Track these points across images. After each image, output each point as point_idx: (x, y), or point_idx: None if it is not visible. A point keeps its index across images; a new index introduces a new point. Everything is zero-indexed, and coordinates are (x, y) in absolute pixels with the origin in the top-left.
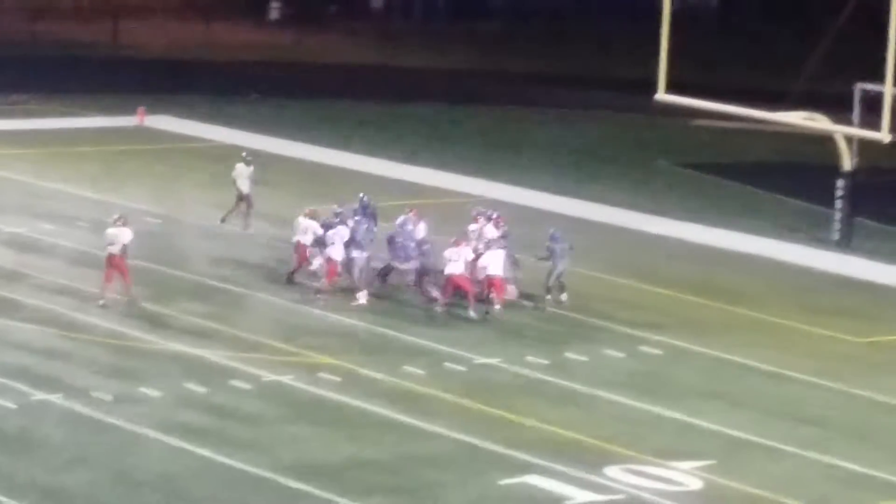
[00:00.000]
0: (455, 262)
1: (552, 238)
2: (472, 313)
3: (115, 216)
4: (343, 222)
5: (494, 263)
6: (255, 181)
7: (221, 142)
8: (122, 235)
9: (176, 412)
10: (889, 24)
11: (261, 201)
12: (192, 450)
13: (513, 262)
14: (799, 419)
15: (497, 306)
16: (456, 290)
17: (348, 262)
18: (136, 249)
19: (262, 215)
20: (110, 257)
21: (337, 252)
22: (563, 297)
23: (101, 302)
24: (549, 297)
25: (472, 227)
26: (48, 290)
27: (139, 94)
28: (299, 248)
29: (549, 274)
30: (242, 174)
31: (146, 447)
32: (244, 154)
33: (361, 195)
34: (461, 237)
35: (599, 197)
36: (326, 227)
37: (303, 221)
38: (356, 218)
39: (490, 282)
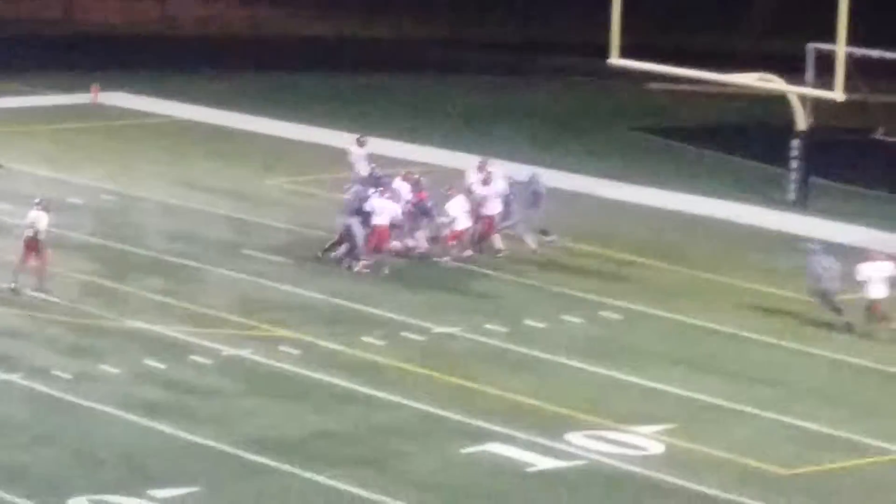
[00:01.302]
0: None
1: (534, 180)
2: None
3: (36, 199)
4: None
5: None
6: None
7: (177, 117)
8: (40, 220)
9: (136, 389)
10: None
11: (214, 176)
12: (154, 426)
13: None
14: (759, 381)
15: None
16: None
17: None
18: (94, 226)
19: (217, 190)
20: (27, 240)
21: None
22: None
23: (12, 284)
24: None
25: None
26: (5, 269)
27: (93, 70)
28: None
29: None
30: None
31: (107, 424)
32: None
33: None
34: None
35: (554, 162)
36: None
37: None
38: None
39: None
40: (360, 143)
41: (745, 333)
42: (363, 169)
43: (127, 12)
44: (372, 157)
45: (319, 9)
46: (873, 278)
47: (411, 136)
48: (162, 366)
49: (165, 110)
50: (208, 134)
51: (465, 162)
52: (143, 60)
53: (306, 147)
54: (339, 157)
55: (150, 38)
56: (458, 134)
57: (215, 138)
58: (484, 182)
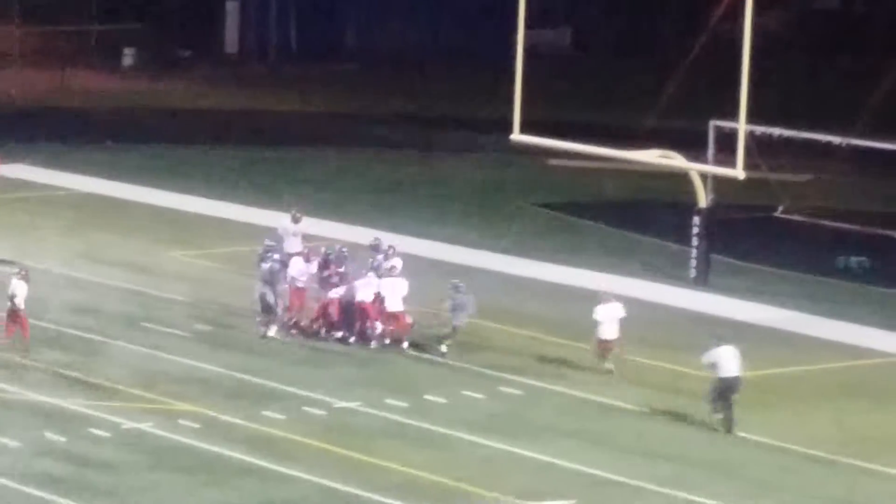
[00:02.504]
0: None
1: (456, 289)
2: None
3: (16, 269)
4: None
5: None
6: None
7: (78, 189)
8: (18, 289)
9: (35, 462)
10: (741, 61)
11: (115, 248)
12: (52, 499)
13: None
14: (658, 456)
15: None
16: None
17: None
18: None
19: (118, 263)
20: (9, 311)
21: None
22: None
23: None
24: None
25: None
26: None
27: None
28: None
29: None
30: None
31: (5, 498)
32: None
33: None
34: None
35: (455, 238)
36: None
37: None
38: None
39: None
40: (295, 220)
41: (645, 409)
42: (294, 246)
43: (27, 83)
44: (305, 236)
45: (224, 82)
46: (606, 319)
47: (316, 210)
48: (62, 438)
49: (66, 182)
50: (108, 206)
51: (366, 237)
52: (43, 132)
53: (206, 220)
54: (236, 231)
55: (49, 109)
56: (361, 208)
57: (115, 211)
58: (386, 258)
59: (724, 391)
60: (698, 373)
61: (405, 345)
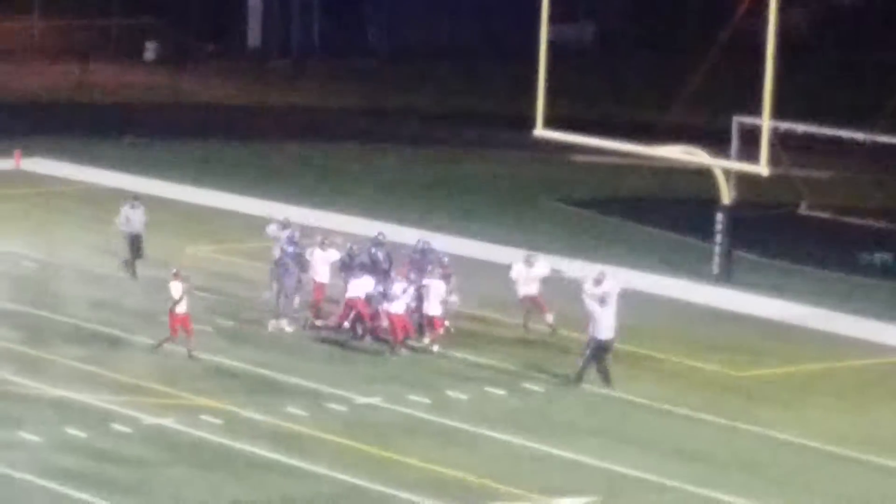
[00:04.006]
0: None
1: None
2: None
3: (173, 270)
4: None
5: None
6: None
7: (99, 184)
8: (172, 289)
9: (56, 457)
10: (764, 57)
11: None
12: (73, 494)
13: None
14: (683, 454)
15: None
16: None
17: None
18: (14, 293)
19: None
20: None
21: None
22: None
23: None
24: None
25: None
26: None
27: (15, 137)
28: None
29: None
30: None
31: (27, 493)
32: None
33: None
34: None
35: (480, 234)
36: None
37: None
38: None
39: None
40: (284, 226)
41: (669, 406)
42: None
43: (48, 78)
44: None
45: (246, 76)
46: (521, 279)
47: (331, 204)
48: (83, 434)
49: (86, 177)
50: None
51: (397, 234)
52: (64, 127)
53: (226, 215)
54: (258, 225)
55: (71, 104)
56: (378, 204)
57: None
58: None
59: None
60: (723, 370)
61: (435, 348)
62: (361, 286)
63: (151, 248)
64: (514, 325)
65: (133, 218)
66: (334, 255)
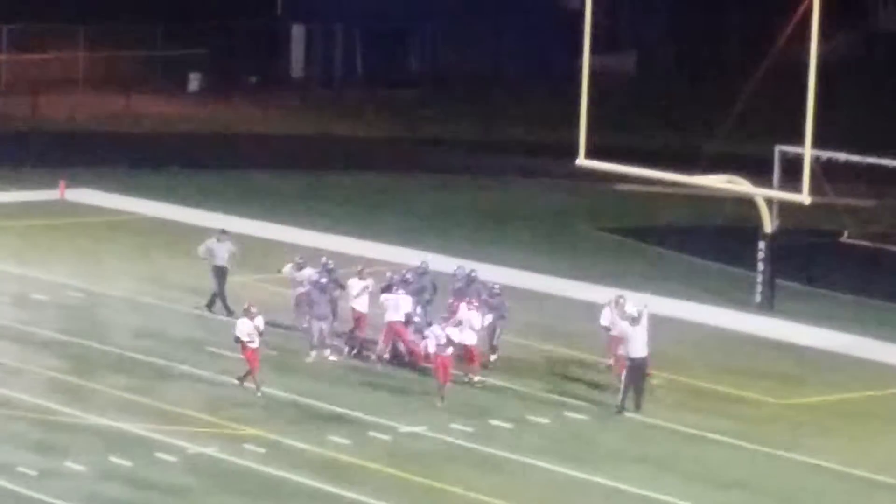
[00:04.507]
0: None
1: (493, 293)
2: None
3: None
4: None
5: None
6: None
7: (142, 214)
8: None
9: (101, 486)
10: (806, 85)
11: (180, 273)
12: None
13: None
14: (723, 482)
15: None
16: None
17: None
18: (60, 323)
19: (182, 287)
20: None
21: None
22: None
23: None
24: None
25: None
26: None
27: (60, 167)
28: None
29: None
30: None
31: None
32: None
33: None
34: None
35: (522, 262)
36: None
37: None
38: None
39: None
40: (298, 267)
41: (710, 434)
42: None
43: (92, 108)
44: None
45: (289, 107)
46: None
47: (374, 234)
48: (127, 463)
49: (131, 207)
50: (174, 231)
51: (440, 264)
52: (108, 157)
53: (272, 245)
54: (303, 255)
55: (115, 134)
56: (421, 234)
57: (181, 235)
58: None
59: None
60: (765, 398)
61: (476, 378)
62: (401, 306)
63: (197, 278)
64: (560, 354)
65: (218, 252)
66: (372, 284)
